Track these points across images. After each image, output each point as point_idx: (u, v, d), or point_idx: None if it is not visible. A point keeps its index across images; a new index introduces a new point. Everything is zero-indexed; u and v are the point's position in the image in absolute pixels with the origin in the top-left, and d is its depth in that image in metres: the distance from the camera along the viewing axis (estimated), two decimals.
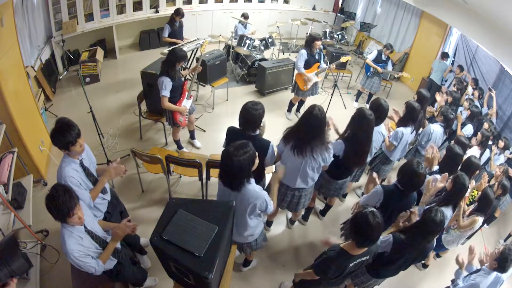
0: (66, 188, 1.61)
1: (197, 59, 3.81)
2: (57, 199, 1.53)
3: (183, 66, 3.59)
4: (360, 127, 2.51)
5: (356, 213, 1.71)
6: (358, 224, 1.68)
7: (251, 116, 2.28)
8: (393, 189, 2.29)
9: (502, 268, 2.18)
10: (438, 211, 1.99)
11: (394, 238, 2.07)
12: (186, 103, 3.47)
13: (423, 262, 3.13)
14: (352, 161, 2.67)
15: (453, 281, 2.46)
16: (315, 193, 3.03)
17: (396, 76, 6.29)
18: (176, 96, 3.35)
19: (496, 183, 3.31)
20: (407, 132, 3.15)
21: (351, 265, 1.83)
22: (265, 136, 2.53)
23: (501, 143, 3.96)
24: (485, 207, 2.72)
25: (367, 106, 5.54)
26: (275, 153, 2.52)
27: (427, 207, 2.39)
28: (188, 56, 4.77)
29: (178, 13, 4.81)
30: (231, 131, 2.49)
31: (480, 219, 2.67)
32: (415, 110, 3.11)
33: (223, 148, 1.96)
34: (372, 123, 2.53)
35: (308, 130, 2.32)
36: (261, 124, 2.50)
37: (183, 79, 3.55)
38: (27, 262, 1.59)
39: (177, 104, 3.38)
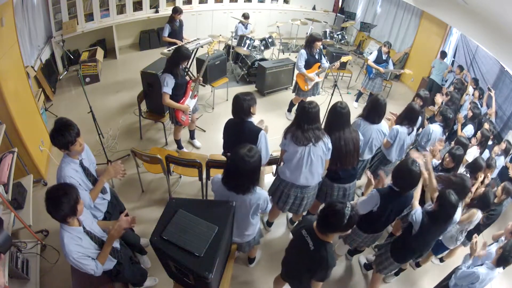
0: (68, 189, 1.59)
1: (202, 62, 3.78)
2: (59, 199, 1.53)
3: (185, 66, 3.59)
4: (333, 121, 2.55)
5: None
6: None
7: (240, 103, 2.47)
8: (389, 191, 2.28)
9: (505, 261, 2.17)
10: (451, 193, 2.09)
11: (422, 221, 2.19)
12: (189, 102, 3.47)
13: (417, 261, 3.13)
14: (340, 160, 2.60)
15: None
16: (318, 203, 3.02)
17: (398, 73, 6.26)
18: (179, 94, 3.35)
19: (500, 187, 3.27)
20: (403, 131, 3.13)
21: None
22: None
23: (503, 145, 3.95)
24: (484, 206, 2.75)
25: None
26: (269, 148, 2.56)
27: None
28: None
29: (176, 11, 4.81)
30: (227, 123, 2.64)
31: (478, 212, 2.69)
32: (413, 110, 3.12)
33: (235, 151, 1.86)
34: (344, 116, 2.51)
35: (304, 121, 2.40)
36: (263, 127, 2.57)
37: (188, 78, 3.55)
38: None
39: (180, 102, 3.38)
